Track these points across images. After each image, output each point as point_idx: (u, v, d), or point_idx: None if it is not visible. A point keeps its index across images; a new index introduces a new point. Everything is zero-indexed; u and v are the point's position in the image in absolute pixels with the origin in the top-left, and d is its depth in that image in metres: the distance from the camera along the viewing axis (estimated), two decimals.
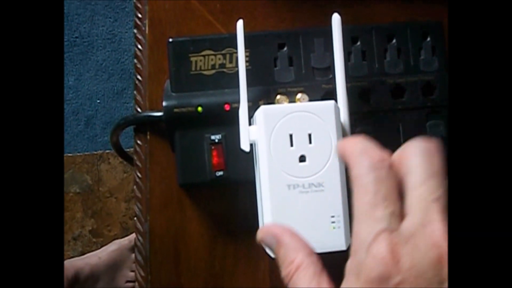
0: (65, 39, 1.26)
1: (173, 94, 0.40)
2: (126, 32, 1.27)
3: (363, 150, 0.27)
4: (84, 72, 1.26)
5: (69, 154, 1.24)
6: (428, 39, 0.42)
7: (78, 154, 1.24)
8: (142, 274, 0.41)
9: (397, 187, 0.26)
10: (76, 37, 1.26)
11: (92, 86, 1.26)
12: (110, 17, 1.27)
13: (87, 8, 1.27)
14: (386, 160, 0.26)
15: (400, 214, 0.25)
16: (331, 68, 0.40)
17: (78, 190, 1.23)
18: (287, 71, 0.40)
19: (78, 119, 1.25)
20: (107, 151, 1.24)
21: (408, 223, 0.25)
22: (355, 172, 0.26)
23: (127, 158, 0.49)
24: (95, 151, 1.24)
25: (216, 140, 0.39)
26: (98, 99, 1.25)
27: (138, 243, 0.41)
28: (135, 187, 0.42)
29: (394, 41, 0.41)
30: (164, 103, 0.39)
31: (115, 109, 1.25)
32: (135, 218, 0.42)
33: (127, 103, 1.25)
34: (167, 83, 0.40)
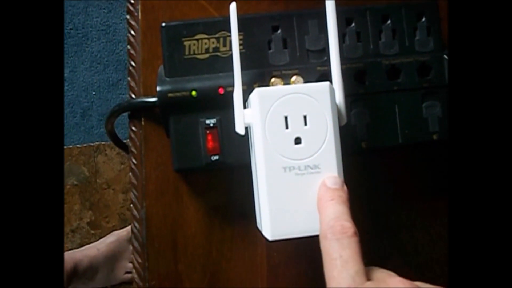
0: None
1: (167, 79, 0.39)
2: (121, 23, 1.26)
3: (330, 223, 0.31)
4: (79, 64, 1.25)
5: (66, 146, 1.23)
6: (423, 19, 0.41)
7: (75, 146, 1.24)
8: (139, 261, 0.41)
9: (360, 251, 0.30)
10: (71, 29, 1.25)
11: (87, 77, 1.25)
12: (104, 8, 1.26)
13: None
14: (348, 231, 0.30)
15: (365, 273, 0.29)
16: (325, 50, 0.40)
17: (75, 182, 1.23)
18: (281, 53, 0.40)
19: (74, 111, 1.24)
20: (104, 142, 1.24)
21: (373, 280, 0.29)
22: (322, 244, 0.31)
23: (122, 146, 0.49)
24: (92, 142, 1.24)
25: (211, 124, 0.39)
26: (94, 91, 1.25)
27: (135, 230, 0.41)
28: (130, 173, 0.42)
29: (389, 22, 0.41)
30: (158, 88, 0.39)
31: (111, 101, 1.24)
32: (131, 205, 0.42)
33: (123, 94, 1.25)
34: (161, 68, 0.40)
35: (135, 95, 0.42)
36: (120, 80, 1.25)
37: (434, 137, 0.41)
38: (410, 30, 0.41)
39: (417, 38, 0.41)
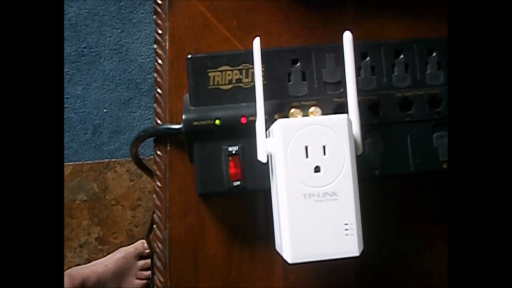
0: (73, 49, 1.29)
1: (192, 108, 0.42)
2: (133, 43, 1.29)
3: None
4: (92, 81, 1.28)
5: (76, 162, 1.25)
6: (434, 54, 0.44)
7: (85, 162, 1.26)
8: (162, 279, 0.43)
9: None
10: (84, 48, 1.29)
11: (99, 95, 1.28)
12: (117, 28, 1.29)
13: (95, 19, 1.29)
14: None
15: None
16: (342, 83, 0.42)
17: (85, 198, 1.25)
18: (300, 85, 0.42)
19: (85, 128, 1.27)
20: (114, 159, 1.26)
21: None
22: None
23: (144, 168, 0.51)
24: (102, 159, 1.26)
25: (233, 152, 0.41)
26: (105, 108, 1.27)
27: (158, 250, 0.43)
28: (154, 196, 0.44)
29: (401, 56, 0.43)
30: (183, 117, 0.41)
31: (121, 118, 1.27)
32: (154, 226, 0.44)
33: (134, 112, 1.27)
34: (186, 97, 0.42)
35: (161, 121, 0.44)
36: (131, 98, 1.28)
37: (444, 166, 0.43)
38: (421, 64, 0.43)
39: (428, 72, 0.43)
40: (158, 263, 0.43)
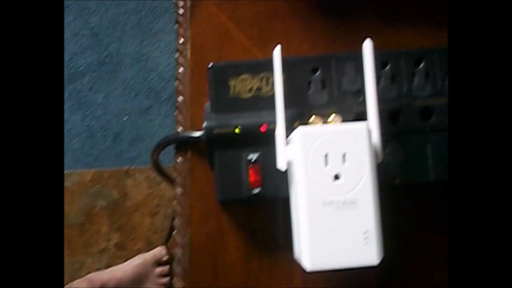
0: (95, 58, 1.31)
1: (213, 115, 0.42)
2: (153, 52, 1.31)
3: None
4: (112, 90, 1.30)
5: (97, 169, 1.27)
6: None
7: (105, 169, 1.28)
8: (181, 286, 0.43)
9: None
10: (105, 56, 1.31)
11: (119, 103, 1.30)
12: (138, 37, 1.31)
13: (116, 29, 1.31)
14: None
15: None
16: (361, 91, 0.42)
17: (104, 204, 1.26)
18: (320, 94, 0.43)
19: (105, 135, 1.29)
20: (133, 166, 1.27)
21: None
22: None
23: (165, 175, 0.52)
24: (122, 166, 1.28)
25: (253, 159, 0.42)
26: (125, 116, 1.29)
27: (178, 256, 0.44)
28: (175, 202, 0.44)
29: (422, 65, 0.43)
30: (204, 124, 0.42)
31: (141, 126, 1.29)
32: (175, 232, 0.44)
33: (153, 120, 1.29)
34: (207, 105, 0.43)
35: (182, 128, 0.45)
36: (151, 107, 1.29)
37: None
38: (442, 73, 0.43)
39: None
40: (178, 269, 0.44)
